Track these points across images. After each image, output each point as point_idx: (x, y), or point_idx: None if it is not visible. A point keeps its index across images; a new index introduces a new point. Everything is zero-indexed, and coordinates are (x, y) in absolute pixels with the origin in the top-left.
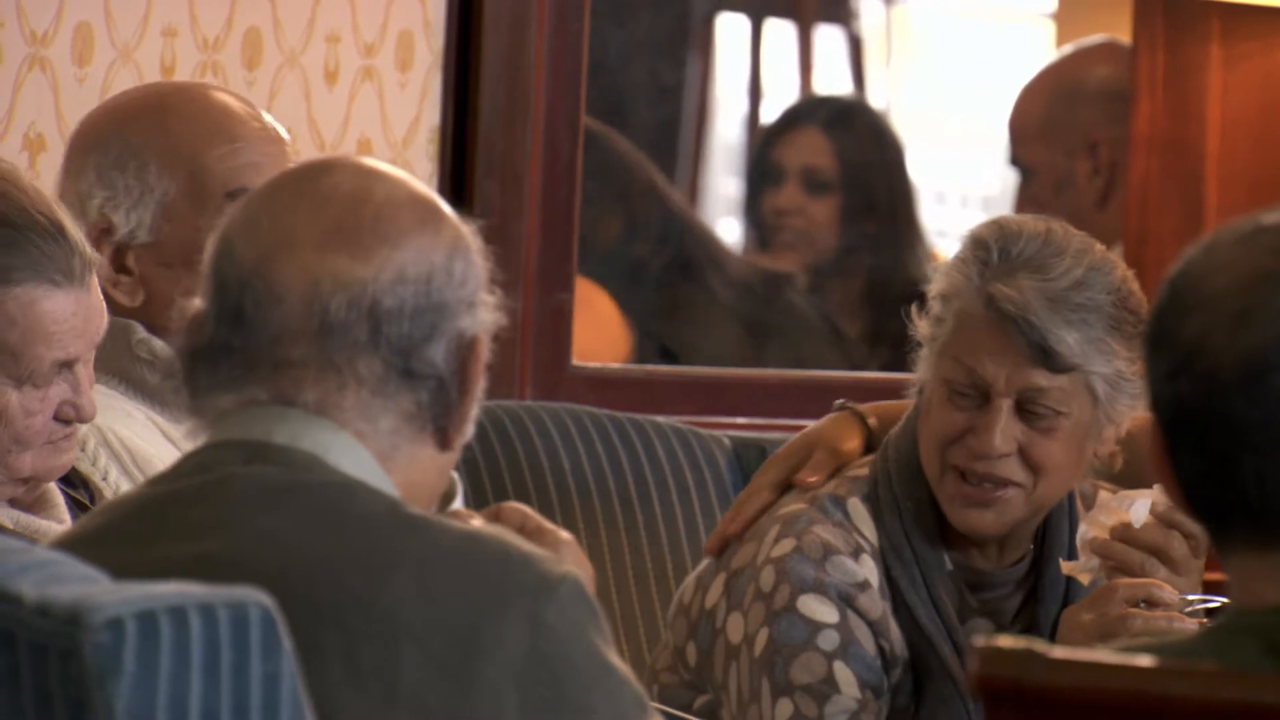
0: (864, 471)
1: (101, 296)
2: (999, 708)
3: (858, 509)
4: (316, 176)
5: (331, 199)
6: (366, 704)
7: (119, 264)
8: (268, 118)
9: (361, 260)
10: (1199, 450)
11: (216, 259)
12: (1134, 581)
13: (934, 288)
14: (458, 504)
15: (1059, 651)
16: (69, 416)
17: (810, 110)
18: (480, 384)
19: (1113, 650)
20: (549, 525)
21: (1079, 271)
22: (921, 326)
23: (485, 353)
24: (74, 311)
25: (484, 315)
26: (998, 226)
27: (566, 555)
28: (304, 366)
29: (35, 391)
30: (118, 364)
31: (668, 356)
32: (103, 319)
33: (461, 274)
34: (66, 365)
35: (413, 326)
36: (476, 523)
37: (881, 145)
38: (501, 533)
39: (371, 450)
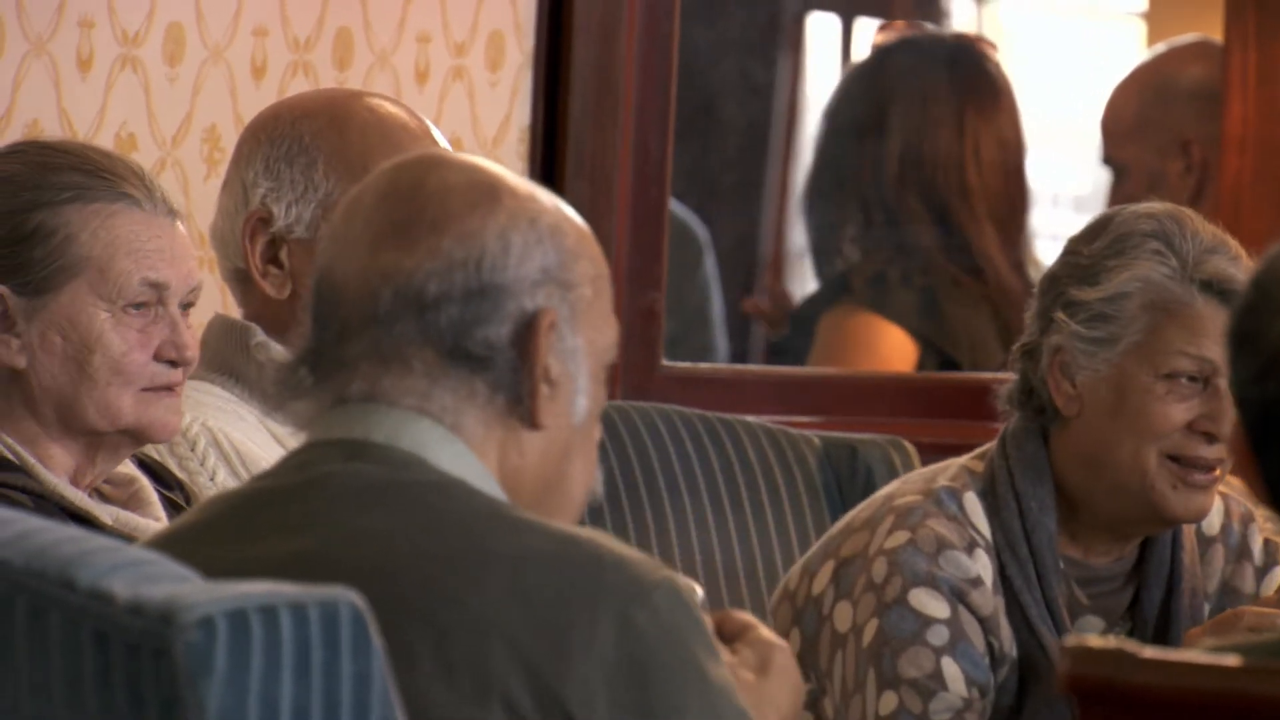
0: (980, 466)
1: (190, 245)
2: (1090, 707)
3: (973, 503)
4: (385, 174)
5: (389, 195)
6: (458, 701)
7: (271, 255)
8: (439, 136)
9: (408, 251)
10: None
11: (315, 266)
12: (1260, 610)
13: (1099, 290)
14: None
15: (1150, 651)
16: (170, 356)
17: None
18: (547, 360)
19: (1203, 650)
20: (770, 636)
21: (1234, 243)
22: (1079, 330)
23: (560, 327)
24: (158, 234)
25: (565, 292)
26: (1156, 219)
27: (776, 657)
28: (358, 361)
29: (131, 320)
30: (234, 365)
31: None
32: (194, 262)
33: (521, 251)
34: (159, 299)
35: (465, 309)
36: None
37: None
38: (598, 535)
39: (446, 426)
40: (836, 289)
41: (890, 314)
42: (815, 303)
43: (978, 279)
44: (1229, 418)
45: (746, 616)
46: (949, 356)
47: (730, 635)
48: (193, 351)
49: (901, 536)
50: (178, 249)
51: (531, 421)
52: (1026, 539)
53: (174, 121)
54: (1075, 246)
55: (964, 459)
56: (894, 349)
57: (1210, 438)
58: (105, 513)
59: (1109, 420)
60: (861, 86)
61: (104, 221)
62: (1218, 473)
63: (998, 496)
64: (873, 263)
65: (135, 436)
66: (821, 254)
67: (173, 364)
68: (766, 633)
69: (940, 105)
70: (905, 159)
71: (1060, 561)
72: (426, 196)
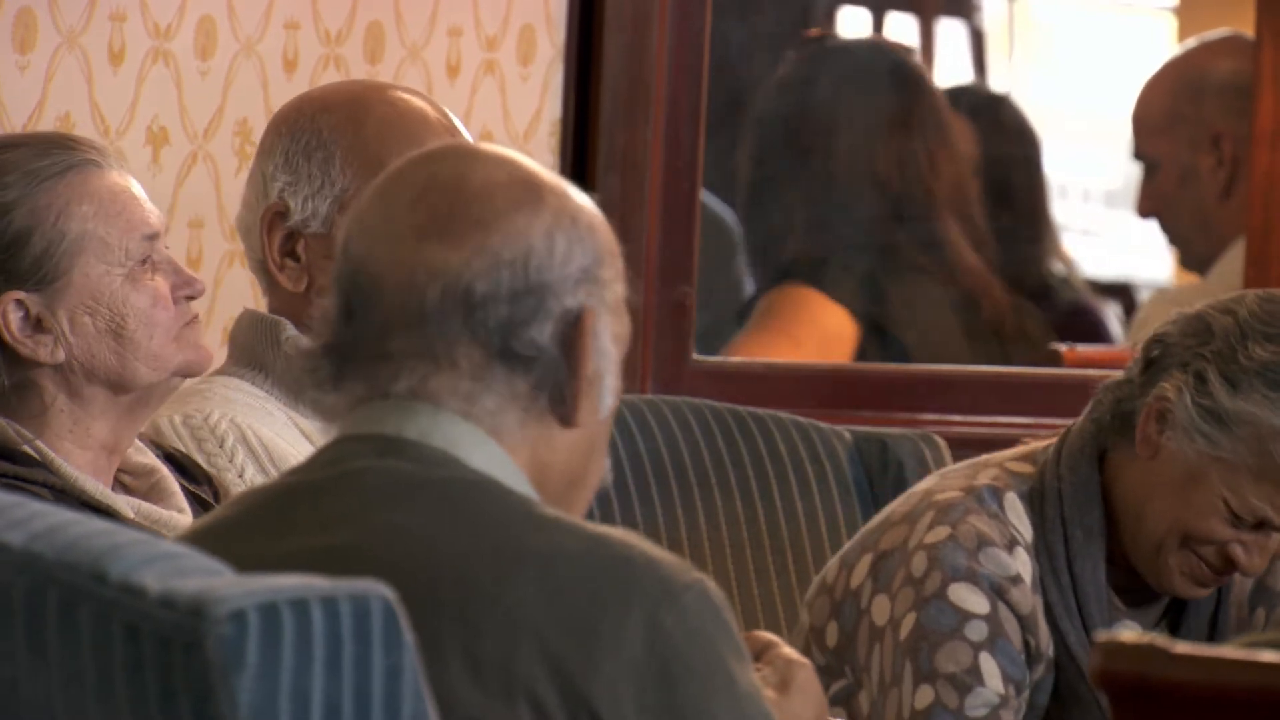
0: (1025, 469)
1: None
2: (1122, 703)
3: (1014, 504)
4: (420, 166)
5: (430, 188)
6: (485, 698)
7: (289, 249)
8: (461, 128)
9: (454, 247)
10: None
11: (338, 256)
12: None
13: (1231, 400)
14: None
15: (1182, 647)
16: (184, 294)
17: (955, 98)
18: (591, 360)
19: (1236, 646)
20: (792, 654)
21: None
22: (1191, 411)
23: (597, 326)
24: (126, 186)
25: (599, 290)
26: None
27: (798, 675)
28: (402, 358)
29: (143, 274)
30: (263, 359)
31: (894, 350)
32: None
33: (565, 251)
34: (152, 248)
35: (512, 309)
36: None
37: (1023, 139)
38: (630, 536)
39: (485, 429)
40: (779, 274)
41: (831, 292)
42: (754, 294)
43: (935, 267)
44: (1266, 556)
45: (768, 635)
46: (893, 337)
47: (753, 654)
48: (200, 284)
49: (942, 531)
50: (141, 195)
51: (570, 420)
52: (1069, 565)
53: (205, 115)
54: (1250, 329)
55: (1005, 459)
56: (832, 324)
57: (1230, 563)
58: (127, 505)
59: (1166, 491)
60: (797, 93)
61: (89, 193)
62: (1226, 577)
63: (1045, 518)
64: (817, 249)
65: (184, 375)
66: (772, 244)
67: (187, 299)
68: (789, 651)
69: (884, 108)
70: (854, 155)
71: (1104, 583)
72: (472, 193)
